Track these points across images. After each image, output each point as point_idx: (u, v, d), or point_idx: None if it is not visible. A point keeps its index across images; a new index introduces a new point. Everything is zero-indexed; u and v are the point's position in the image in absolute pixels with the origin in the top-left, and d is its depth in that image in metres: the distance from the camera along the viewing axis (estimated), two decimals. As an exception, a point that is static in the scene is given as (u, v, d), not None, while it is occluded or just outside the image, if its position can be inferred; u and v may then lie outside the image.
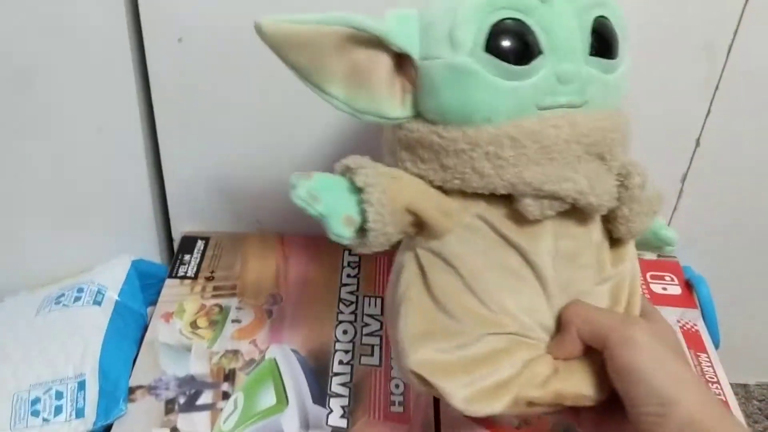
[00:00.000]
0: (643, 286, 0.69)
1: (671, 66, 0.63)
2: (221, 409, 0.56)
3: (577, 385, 0.42)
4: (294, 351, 0.60)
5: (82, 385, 0.56)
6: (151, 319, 0.64)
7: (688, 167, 0.69)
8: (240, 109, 0.66)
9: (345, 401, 0.57)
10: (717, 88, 0.64)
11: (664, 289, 0.69)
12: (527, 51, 0.39)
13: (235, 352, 0.60)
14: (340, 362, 0.60)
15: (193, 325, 0.63)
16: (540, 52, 0.39)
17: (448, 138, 0.41)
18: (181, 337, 0.62)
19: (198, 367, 0.59)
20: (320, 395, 0.57)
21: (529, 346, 0.42)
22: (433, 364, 0.41)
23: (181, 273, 0.69)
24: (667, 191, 0.71)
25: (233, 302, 0.65)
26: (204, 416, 0.55)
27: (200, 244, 0.72)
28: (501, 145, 0.40)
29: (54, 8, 0.59)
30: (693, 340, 0.64)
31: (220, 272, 0.69)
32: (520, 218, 0.42)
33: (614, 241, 0.46)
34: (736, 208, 0.73)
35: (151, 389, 0.57)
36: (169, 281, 0.68)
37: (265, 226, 0.74)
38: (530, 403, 0.42)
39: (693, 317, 0.66)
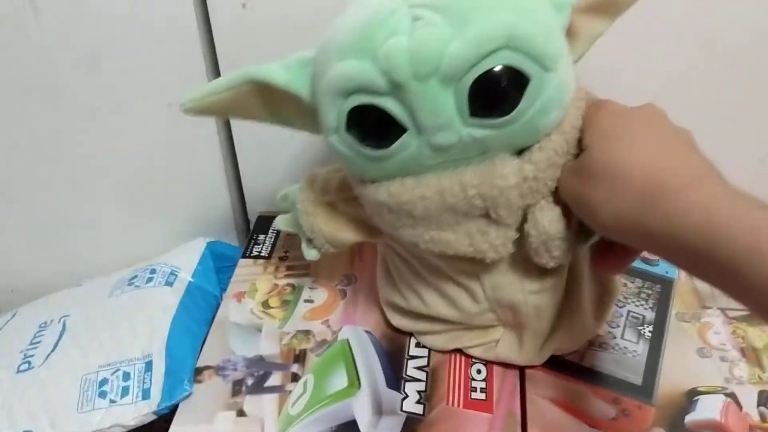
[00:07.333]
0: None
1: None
2: (290, 392, 0.52)
3: (511, 354, 0.52)
4: (368, 332, 0.56)
5: (149, 366, 0.54)
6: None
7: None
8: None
9: (421, 386, 0.52)
10: None
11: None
12: (387, 132, 0.38)
13: (307, 333, 0.57)
14: (417, 345, 0.55)
15: (265, 304, 0.60)
16: (405, 130, 0.38)
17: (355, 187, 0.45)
18: (252, 316, 0.59)
19: (268, 347, 0.56)
20: (395, 379, 0.52)
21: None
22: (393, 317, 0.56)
23: (255, 253, 0.66)
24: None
25: (306, 282, 0.62)
26: (272, 398, 0.52)
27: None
28: (381, 211, 0.43)
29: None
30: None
31: (294, 252, 0.66)
32: None
33: None
34: None
35: (219, 370, 0.54)
36: (242, 261, 0.65)
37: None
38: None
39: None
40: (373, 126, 0.38)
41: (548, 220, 0.41)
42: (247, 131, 0.67)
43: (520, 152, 0.40)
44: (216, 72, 0.63)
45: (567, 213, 0.41)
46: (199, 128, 0.66)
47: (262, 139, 0.68)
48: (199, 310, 0.61)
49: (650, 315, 0.57)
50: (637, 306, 0.58)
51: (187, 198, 0.72)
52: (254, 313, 0.59)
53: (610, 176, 0.36)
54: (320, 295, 0.61)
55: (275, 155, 0.69)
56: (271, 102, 0.44)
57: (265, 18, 0.59)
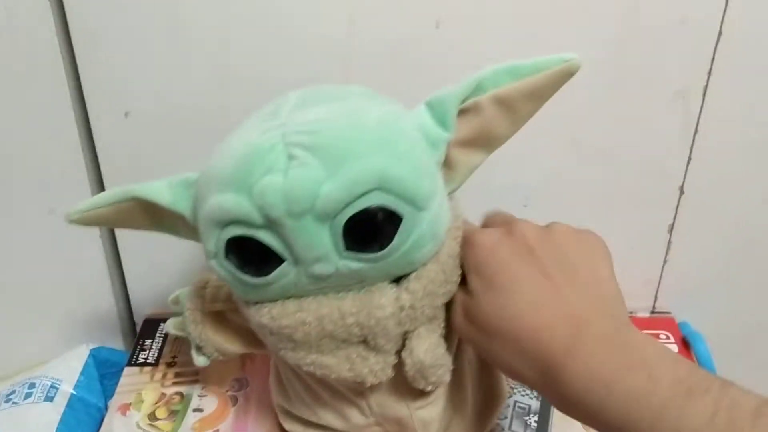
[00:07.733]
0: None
1: (647, 114, 0.60)
2: None
3: None
4: (260, 441, 0.56)
5: (27, 493, 0.51)
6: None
7: (675, 217, 0.66)
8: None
9: (314, 495, 0.51)
10: (696, 132, 0.61)
11: (660, 348, 0.65)
12: (265, 261, 0.38)
13: (196, 446, 0.56)
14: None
15: (152, 416, 0.58)
16: (283, 260, 0.38)
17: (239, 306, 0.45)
18: (138, 431, 0.57)
19: (155, 464, 0.54)
20: (287, 490, 0.52)
21: None
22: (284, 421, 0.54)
23: (141, 359, 0.64)
24: (655, 243, 0.67)
25: (195, 389, 0.61)
26: None
27: (162, 327, 0.68)
28: (263, 332, 0.43)
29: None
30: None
31: (183, 357, 0.64)
32: None
33: None
34: (730, 256, 0.69)
35: (102, 493, 0.52)
36: (127, 369, 0.63)
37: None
38: None
39: (693, 378, 0.61)
40: (251, 255, 0.38)
41: (424, 350, 0.41)
42: (131, 232, 0.66)
43: (398, 279, 0.41)
44: (98, 177, 0.62)
45: (447, 336, 0.43)
46: (81, 230, 0.64)
47: (148, 240, 0.66)
48: (82, 426, 0.58)
49: (535, 404, 0.59)
50: (522, 396, 0.60)
51: (69, 301, 0.69)
52: (140, 427, 0.57)
53: (501, 337, 0.38)
54: (210, 403, 0.59)
55: (161, 256, 0.67)
56: (156, 216, 0.45)
57: (147, 126, 0.59)
